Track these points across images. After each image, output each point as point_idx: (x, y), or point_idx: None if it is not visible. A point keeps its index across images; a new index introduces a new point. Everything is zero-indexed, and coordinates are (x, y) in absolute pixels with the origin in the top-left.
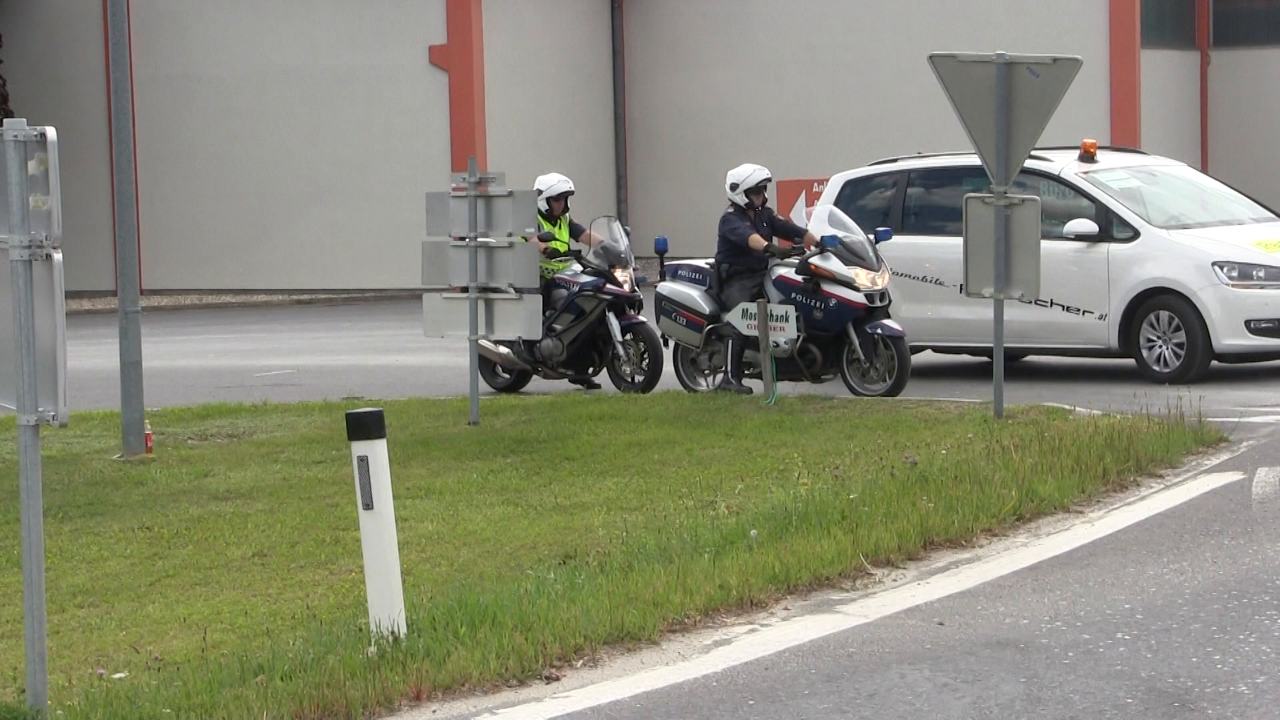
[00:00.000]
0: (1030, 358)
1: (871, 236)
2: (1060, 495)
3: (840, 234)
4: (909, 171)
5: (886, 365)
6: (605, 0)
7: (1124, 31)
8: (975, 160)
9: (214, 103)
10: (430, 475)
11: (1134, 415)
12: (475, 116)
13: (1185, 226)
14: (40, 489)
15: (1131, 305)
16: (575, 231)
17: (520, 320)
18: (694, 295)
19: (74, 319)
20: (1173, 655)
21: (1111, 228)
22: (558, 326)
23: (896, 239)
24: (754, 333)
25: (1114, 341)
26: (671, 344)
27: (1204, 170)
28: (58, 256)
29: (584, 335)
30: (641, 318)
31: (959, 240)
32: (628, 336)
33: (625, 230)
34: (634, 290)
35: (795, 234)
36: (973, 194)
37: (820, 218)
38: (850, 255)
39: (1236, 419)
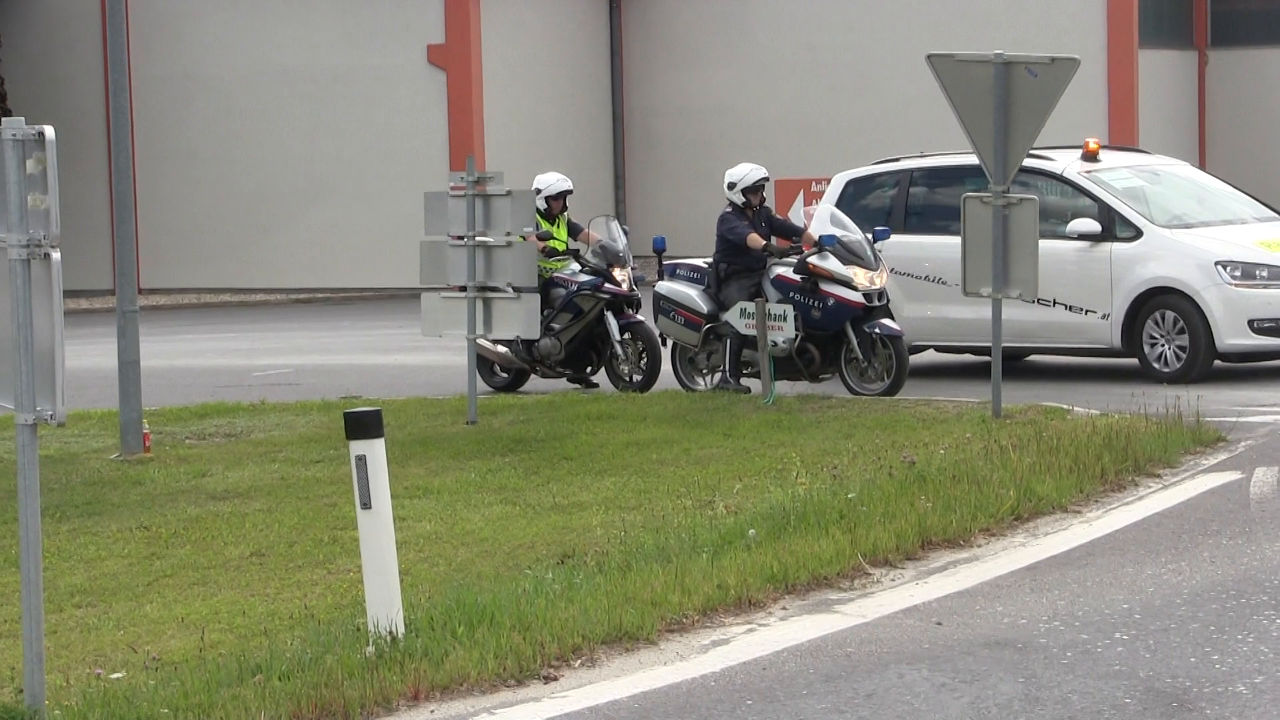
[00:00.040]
0: (1032, 357)
1: (870, 236)
2: (1058, 495)
3: (838, 233)
4: (911, 171)
5: (884, 365)
6: (604, 0)
7: (1122, 31)
8: (977, 159)
9: (213, 102)
10: (428, 475)
11: (1132, 415)
12: (473, 116)
13: (1188, 226)
14: (38, 488)
15: (1134, 305)
16: (573, 231)
17: (518, 319)
18: (692, 295)
19: (72, 318)
20: (1171, 655)
21: (1114, 227)
22: (556, 326)
23: (899, 238)
24: (752, 332)
25: (1117, 341)
26: (670, 343)
27: (1202, 170)
28: (56, 256)
29: (582, 334)
30: (640, 317)
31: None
32: (626, 336)
33: (623, 229)
34: (632, 289)
35: (793, 233)
36: (971, 193)
37: (822, 217)
38: (848, 254)
39: (1235, 419)
